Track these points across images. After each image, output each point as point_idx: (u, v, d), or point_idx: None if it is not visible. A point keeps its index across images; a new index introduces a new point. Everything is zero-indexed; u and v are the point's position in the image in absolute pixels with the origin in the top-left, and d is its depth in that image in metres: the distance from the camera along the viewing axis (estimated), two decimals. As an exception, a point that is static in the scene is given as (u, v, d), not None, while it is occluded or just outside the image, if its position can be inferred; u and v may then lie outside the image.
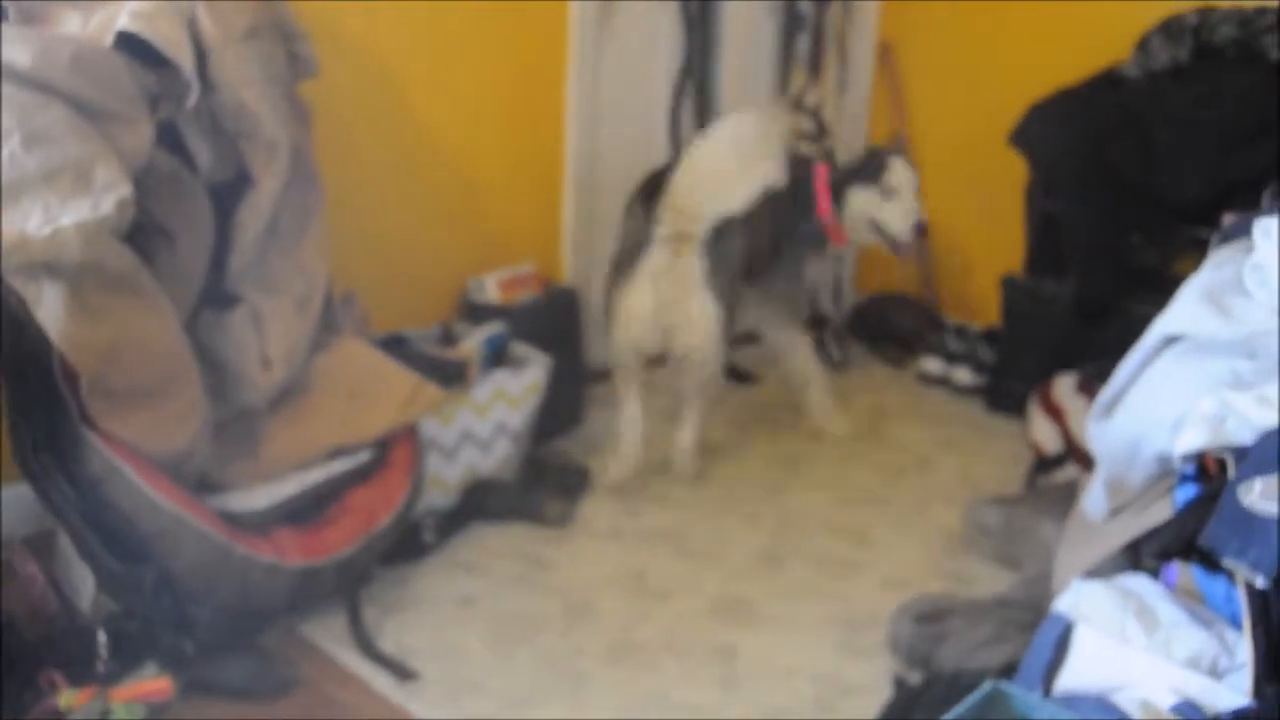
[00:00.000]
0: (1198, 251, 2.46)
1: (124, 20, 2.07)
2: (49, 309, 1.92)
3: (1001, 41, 3.70)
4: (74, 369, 1.95)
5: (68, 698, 1.87)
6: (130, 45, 2.06)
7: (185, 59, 2.09)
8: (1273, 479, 1.53)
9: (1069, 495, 2.38)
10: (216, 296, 2.28)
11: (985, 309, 3.64)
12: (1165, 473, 1.82)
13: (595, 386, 3.37)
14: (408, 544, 2.49)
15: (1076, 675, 1.67)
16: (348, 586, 2.29)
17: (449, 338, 2.89)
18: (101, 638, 1.98)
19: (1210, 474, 1.71)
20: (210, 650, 2.05)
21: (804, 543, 2.68)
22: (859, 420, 3.30)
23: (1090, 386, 2.77)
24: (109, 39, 2.06)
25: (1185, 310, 1.88)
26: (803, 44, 3.68)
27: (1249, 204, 2.23)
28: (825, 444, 3.15)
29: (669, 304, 2.72)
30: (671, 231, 2.71)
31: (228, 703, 2.01)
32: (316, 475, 2.30)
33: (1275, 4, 3.07)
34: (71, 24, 2.11)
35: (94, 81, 2.01)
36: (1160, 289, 2.21)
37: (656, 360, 2.90)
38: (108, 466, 1.98)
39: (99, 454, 1.98)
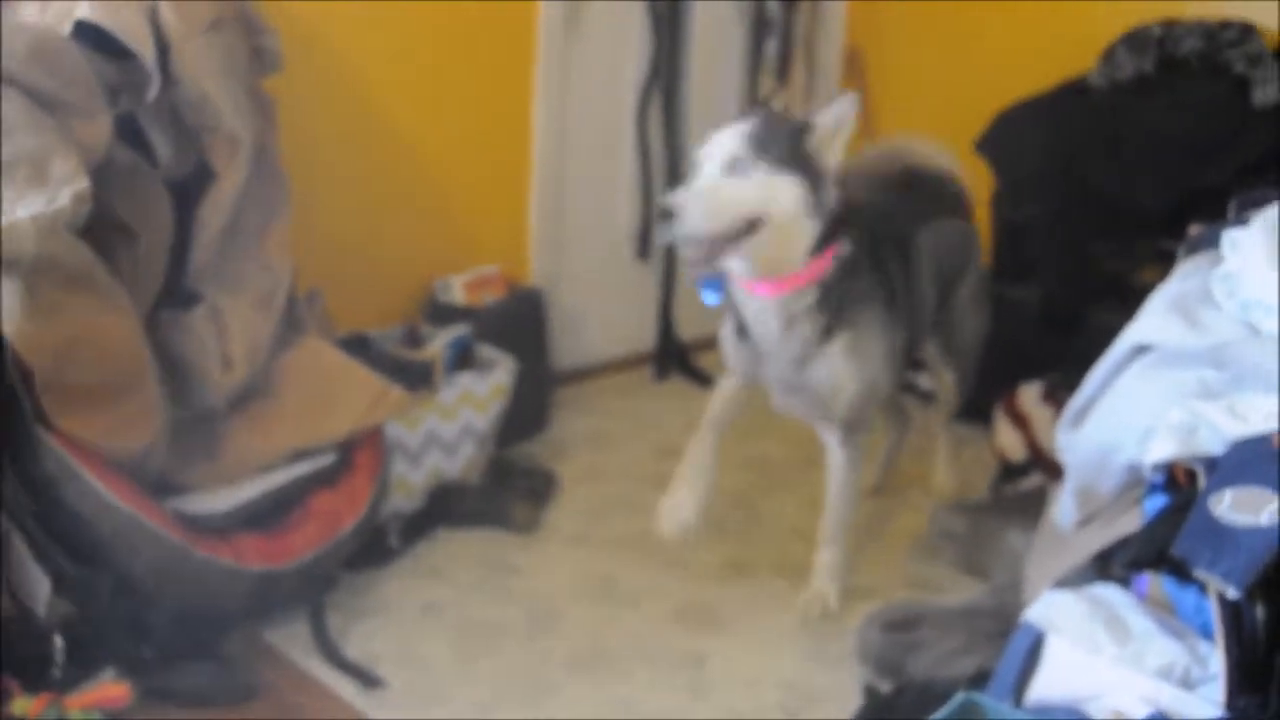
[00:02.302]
0: (1162, 261, 2.48)
1: (84, 9, 2.02)
2: (2, 304, 1.87)
3: (968, 49, 3.72)
4: (28, 366, 1.90)
5: (22, 704, 1.82)
6: (90, 35, 2.02)
7: (146, 50, 2.06)
8: (1243, 489, 1.54)
9: (1034, 502, 2.39)
10: (176, 294, 2.24)
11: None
12: (1135, 482, 1.82)
13: (561, 389, 3.35)
14: (372, 549, 2.45)
15: (1048, 686, 1.66)
16: (311, 592, 2.26)
17: (414, 339, 2.85)
18: (57, 643, 1.93)
19: (1180, 484, 1.71)
20: (169, 656, 2.01)
21: (771, 548, 2.67)
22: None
23: (1055, 395, 2.78)
24: (68, 28, 2.02)
25: (1154, 320, 1.89)
26: (771, 49, 3.68)
27: (1212, 214, 2.25)
28: (791, 449, 3.13)
29: None
30: None
31: (187, 710, 1.97)
32: (278, 478, 2.27)
33: (1238, 18, 3.12)
34: (29, 12, 2.07)
35: (52, 72, 1.97)
36: (1124, 298, 2.23)
37: None
38: (63, 467, 1.94)
39: (54, 454, 1.93)
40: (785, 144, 2.14)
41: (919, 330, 2.55)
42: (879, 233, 2.35)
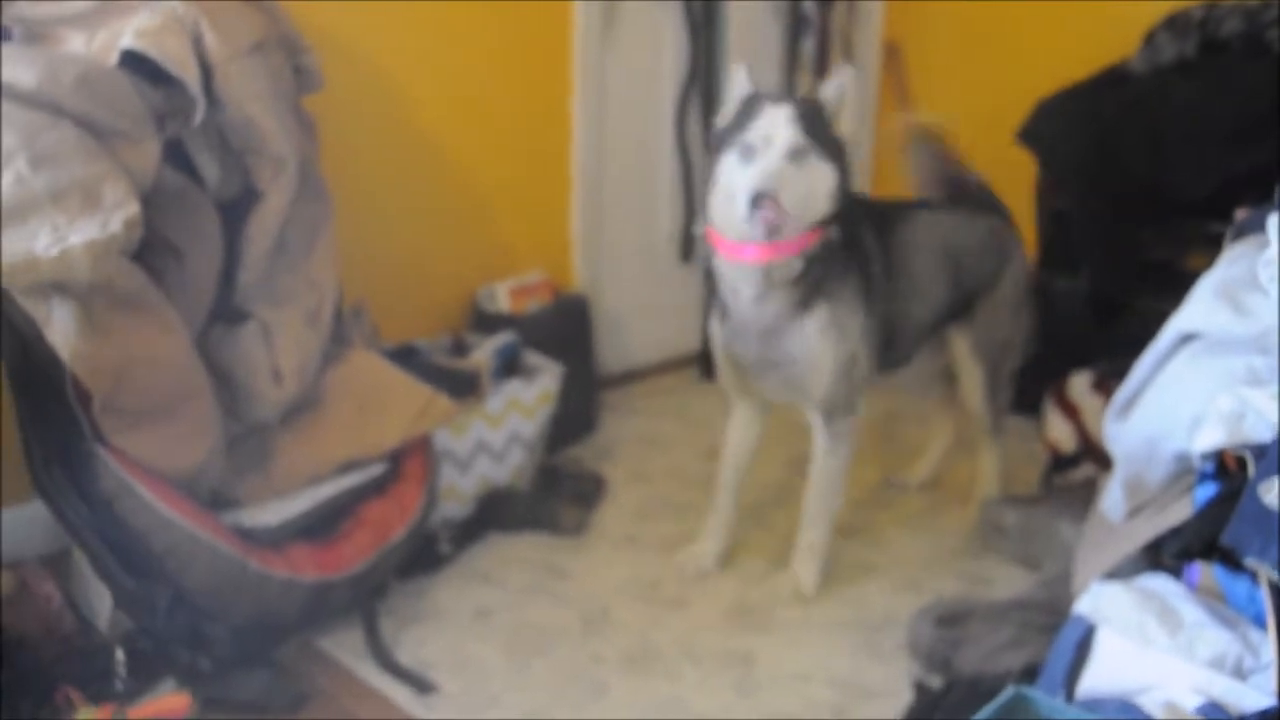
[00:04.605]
0: (1209, 245, 2.44)
1: (129, 39, 2.06)
2: (59, 329, 1.91)
3: (1007, 39, 3.69)
4: (86, 388, 1.95)
5: (85, 715, 1.87)
6: (136, 63, 2.06)
7: (191, 76, 2.09)
8: (1293, 476, 1.52)
9: (1086, 494, 2.37)
10: (226, 312, 2.28)
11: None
12: (1184, 471, 1.80)
13: (608, 393, 3.37)
14: (424, 555, 2.49)
15: (1099, 678, 1.65)
16: (364, 600, 2.29)
17: (460, 348, 2.88)
18: (119, 655, 1.98)
19: (1229, 472, 1.69)
20: (227, 666, 2.05)
21: (819, 546, 2.67)
22: (872, 422, 3.29)
23: (1105, 384, 2.75)
24: (114, 58, 2.06)
25: (1200, 307, 1.86)
26: (808, 46, 3.67)
27: (1259, 197, 2.21)
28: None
29: None
30: None
31: (245, 718, 2.01)
32: (329, 489, 2.30)
33: (1283, -5, 3.06)
34: (76, 43, 2.11)
35: (100, 101, 2.00)
36: (1172, 284, 2.19)
37: None
38: (121, 484, 1.98)
39: (112, 472, 1.98)
40: (824, 130, 2.21)
41: (909, 315, 2.53)
42: (856, 212, 2.38)
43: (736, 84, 2.28)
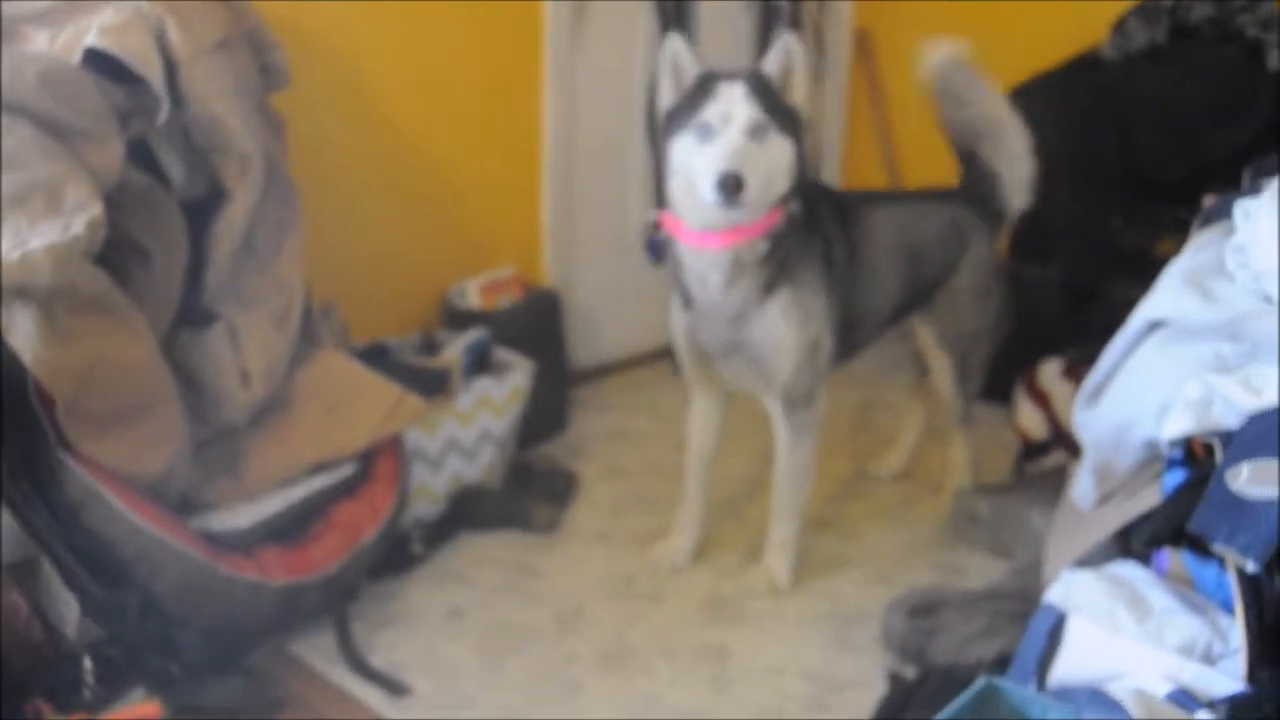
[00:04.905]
0: (1180, 232, 2.45)
1: (92, 37, 2.04)
2: (21, 333, 1.89)
3: (978, 26, 3.66)
4: (49, 393, 1.92)
5: (54, 726, 1.85)
6: (99, 61, 2.04)
7: (154, 73, 2.07)
8: (1260, 463, 1.52)
9: (1058, 482, 2.37)
10: (193, 314, 2.26)
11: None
12: (1152, 458, 1.81)
13: (580, 388, 3.36)
14: (395, 556, 2.47)
15: (1070, 666, 1.66)
16: (335, 603, 2.27)
17: (430, 345, 2.87)
18: (88, 664, 1.96)
19: (1198, 458, 1.70)
20: (198, 672, 2.03)
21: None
22: (843, 411, 3.29)
23: (1076, 371, 2.76)
24: (77, 56, 2.04)
25: (1168, 295, 1.87)
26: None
27: (1229, 183, 2.22)
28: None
29: None
30: None
31: (217, 724, 2.00)
32: (299, 491, 2.28)
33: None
34: (39, 42, 2.08)
35: (62, 100, 1.98)
36: (1143, 271, 2.20)
37: None
38: (87, 491, 1.96)
39: (77, 478, 1.96)
40: (779, 103, 2.19)
41: (868, 303, 2.52)
42: (818, 197, 2.38)
43: (682, 59, 2.21)
